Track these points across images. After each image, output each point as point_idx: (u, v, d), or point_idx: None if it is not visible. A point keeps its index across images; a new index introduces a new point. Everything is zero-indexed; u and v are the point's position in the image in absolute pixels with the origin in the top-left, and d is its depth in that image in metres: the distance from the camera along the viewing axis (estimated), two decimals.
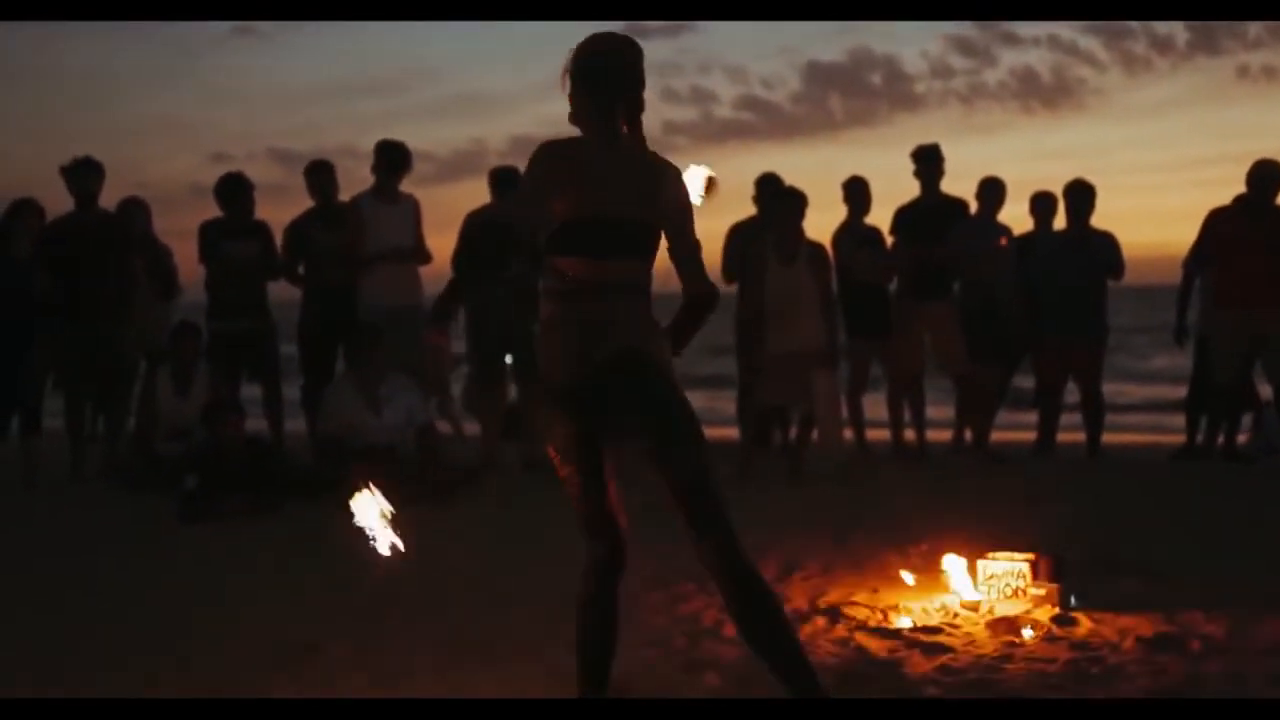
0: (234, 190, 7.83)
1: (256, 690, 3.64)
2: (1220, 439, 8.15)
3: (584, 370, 3.00)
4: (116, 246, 7.58)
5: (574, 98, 3.06)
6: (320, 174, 7.85)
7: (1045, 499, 6.56)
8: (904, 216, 7.98)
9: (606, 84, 3.03)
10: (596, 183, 3.00)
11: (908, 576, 4.63)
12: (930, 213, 7.88)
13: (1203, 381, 8.25)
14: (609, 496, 3.08)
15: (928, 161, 7.96)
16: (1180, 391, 8.71)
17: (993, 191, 8.07)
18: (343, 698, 3.56)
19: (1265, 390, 8.24)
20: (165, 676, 3.79)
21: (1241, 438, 8.26)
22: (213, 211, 7.90)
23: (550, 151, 3.04)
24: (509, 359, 7.71)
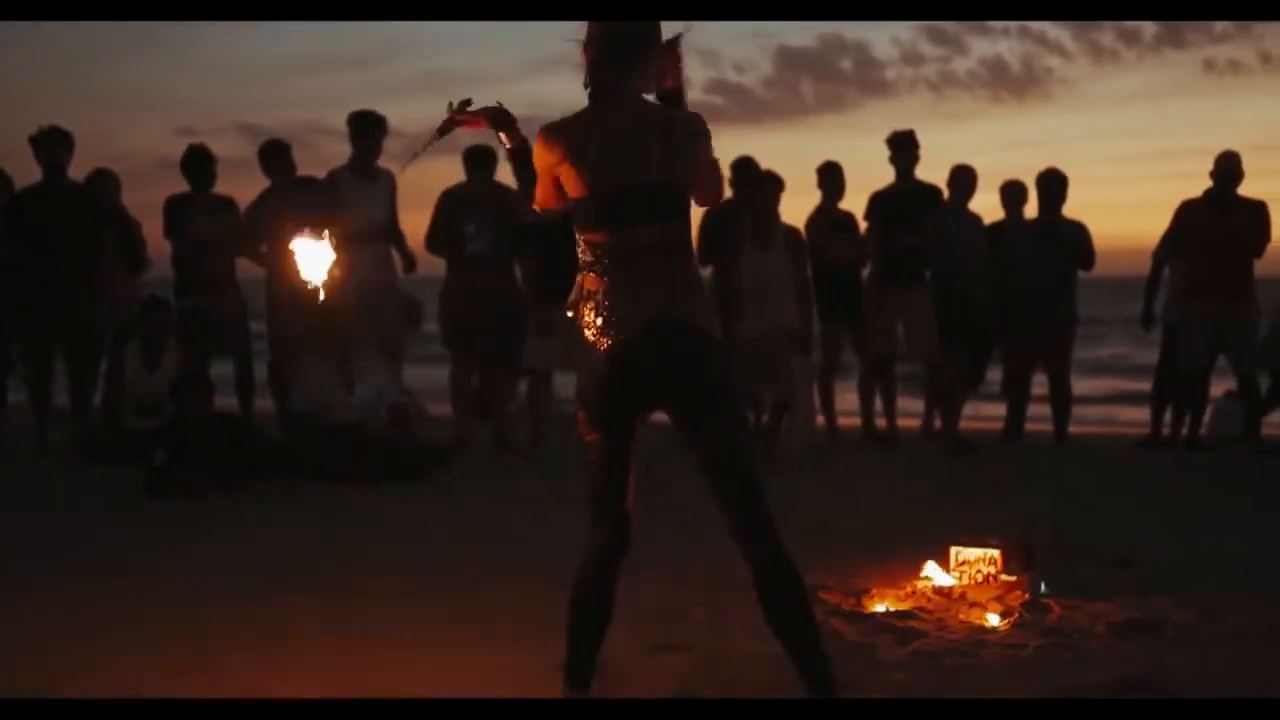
0: (198, 164, 7.74)
1: (227, 671, 3.60)
2: (1185, 428, 8.27)
3: (618, 338, 2.96)
4: (86, 218, 7.48)
5: (587, 65, 3.00)
6: (278, 155, 7.75)
7: (1014, 486, 6.62)
8: (879, 202, 8.00)
9: (616, 48, 2.98)
10: (606, 152, 2.96)
11: (932, 569, 4.55)
12: (905, 199, 7.91)
13: (1169, 372, 8.35)
14: (627, 474, 3.04)
15: (903, 148, 7.98)
16: (1132, 384, 8.94)
17: (964, 180, 8.11)
18: (319, 685, 3.53)
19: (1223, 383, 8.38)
20: (133, 656, 3.74)
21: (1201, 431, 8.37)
22: (178, 184, 7.81)
23: (550, 133, 3.00)
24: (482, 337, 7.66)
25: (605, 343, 2.98)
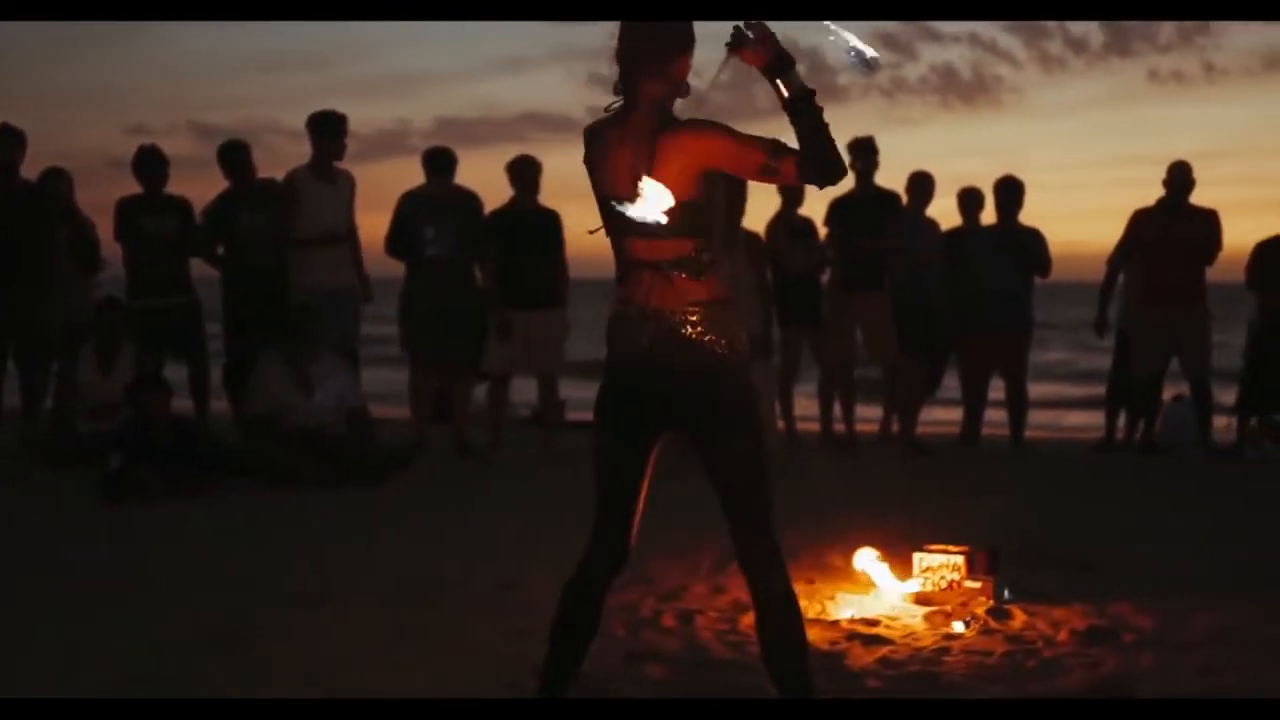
0: (150, 165, 7.63)
1: (185, 680, 3.54)
2: (1139, 432, 8.39)
3: (624, 351, 2.92)
4: (39, 218, 7.36)
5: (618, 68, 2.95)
6: (236, 154, 7.66)
7: (972, 491, 6.67)
8: (839, 208, 8.04)
9: (628, 62, 2.92)
10: (608, 159, 2.93)
11: (871, 566, 4.57)
12: (865, 205, 7.95)
13: (1122, 377, 8.47)
14: (632, 491, 2.96)
15: (863, 154, 8.02)
16: (1076, 389, 9.10)
17: (922, 186, 8.17)
18: (278, 691, 3.49)
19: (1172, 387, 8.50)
20: (85, 664, 3.67)
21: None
22: (129, 184, 7.70)
23: (586, 135, 3.00)
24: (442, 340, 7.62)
25: (615, 353, 2.96)
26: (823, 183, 2.84)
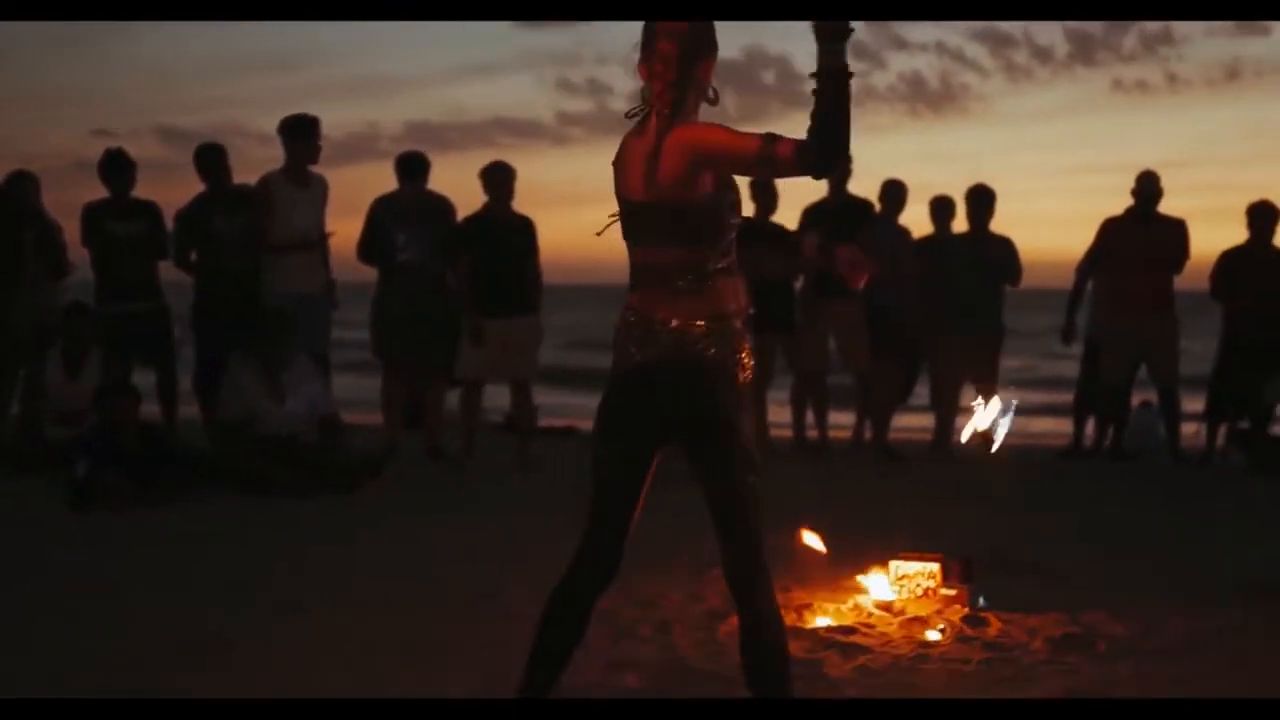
0: (116, 168, 7.55)
1: (163, 692, 3.50)
2: (1108, 439, 8.46)
3: (624, 361, 2.89)
4: (4, 221, 7.27)
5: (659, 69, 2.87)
6: (212, 158, 7.60)
7: (944, 498, 6.70)
8: (812, 215, 8.06)
9: (645, 66, 2.88)
10: (622, 165, 2.91)
11: (871, 581, 4.57)
12: (838, 212, 7.97)
13: (1090, 384, 8.55)
14: (627, 505, 2.93)
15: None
16: (1039, 396, 9.17)
17: (895, 194, 8.21)
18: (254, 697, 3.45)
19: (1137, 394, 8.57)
20: (56, 676, 3.61)
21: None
22: (95, 187, 7.63)
23: (622, 143, 2.95)
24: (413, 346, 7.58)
25: (616, 363, 2.93)
26: (822, 169, 2.72)
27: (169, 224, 7.64)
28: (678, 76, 2.83)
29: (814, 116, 2.68)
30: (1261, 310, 8.12)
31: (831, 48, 2.70)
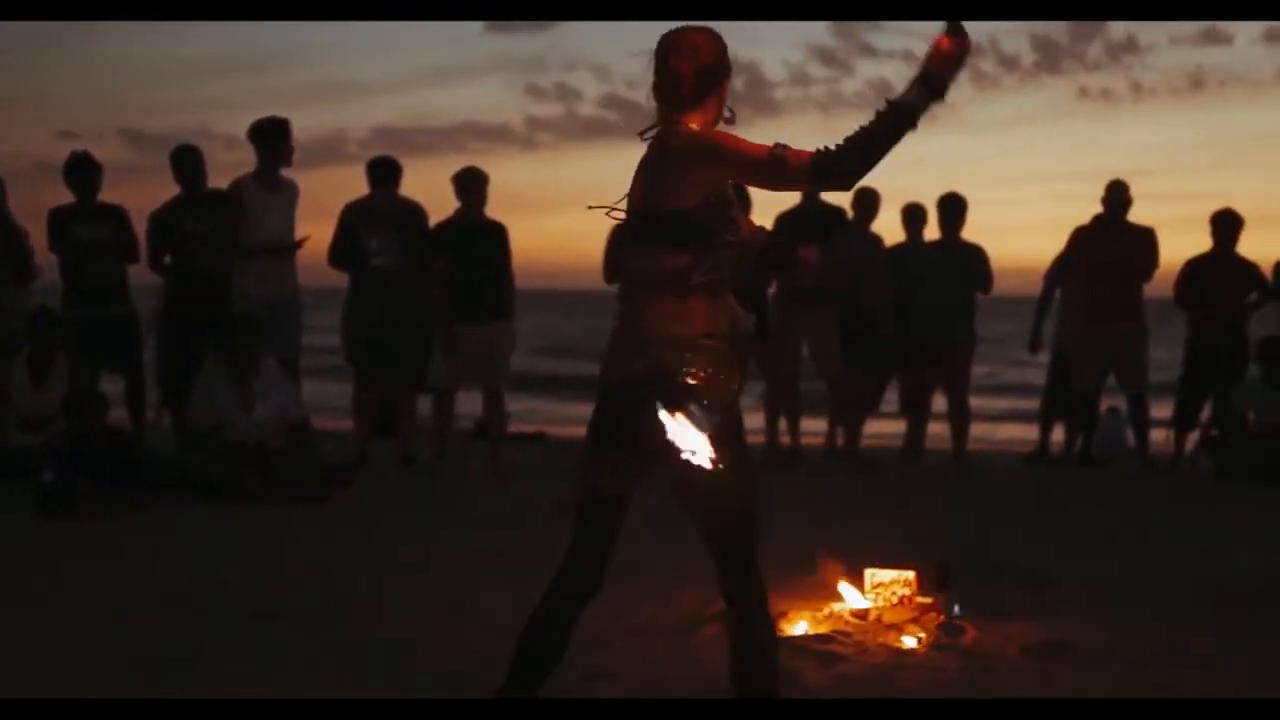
0: (82, 172, 7.47)
1: (126, 702, 3.43)
2: (1077, 446, 8.52)
3: (618, 381, 2.84)
4: None
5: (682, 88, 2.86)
6: (189, 159, 7.53)
7: (917, 505, 6.72)
8: (785, 222, 8.07)
9: (653, 77, 2.87)
10: (634, 176, 2.89)
11: (847, 589, 4.56)
12: (811, 219, 7.98)
13: (1057, 391, 8.61)
14: (612, 522, 2.91)
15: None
16: (1001, 402, 9.23)
17: (868, 202, 8.23)
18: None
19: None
20: (18, 685, 3.54)
21: None
22: (60, 190, 7.53)
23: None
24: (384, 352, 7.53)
25: (603, 379, 2.90)
26: (836, 177, 2.67)
27: (137, 227, 7.57)
28: (692, 95, 2.82)
29: (861, 131, 2.64)
30: (1225, 318, 8.20)
31: (924, 92, 2.67)
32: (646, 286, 2.83)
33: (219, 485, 6.40)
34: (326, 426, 8.65)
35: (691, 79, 2.81)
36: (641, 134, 2.89)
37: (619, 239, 2.98)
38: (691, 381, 2.78)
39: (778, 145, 2.70)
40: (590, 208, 2.97)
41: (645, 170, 2.85)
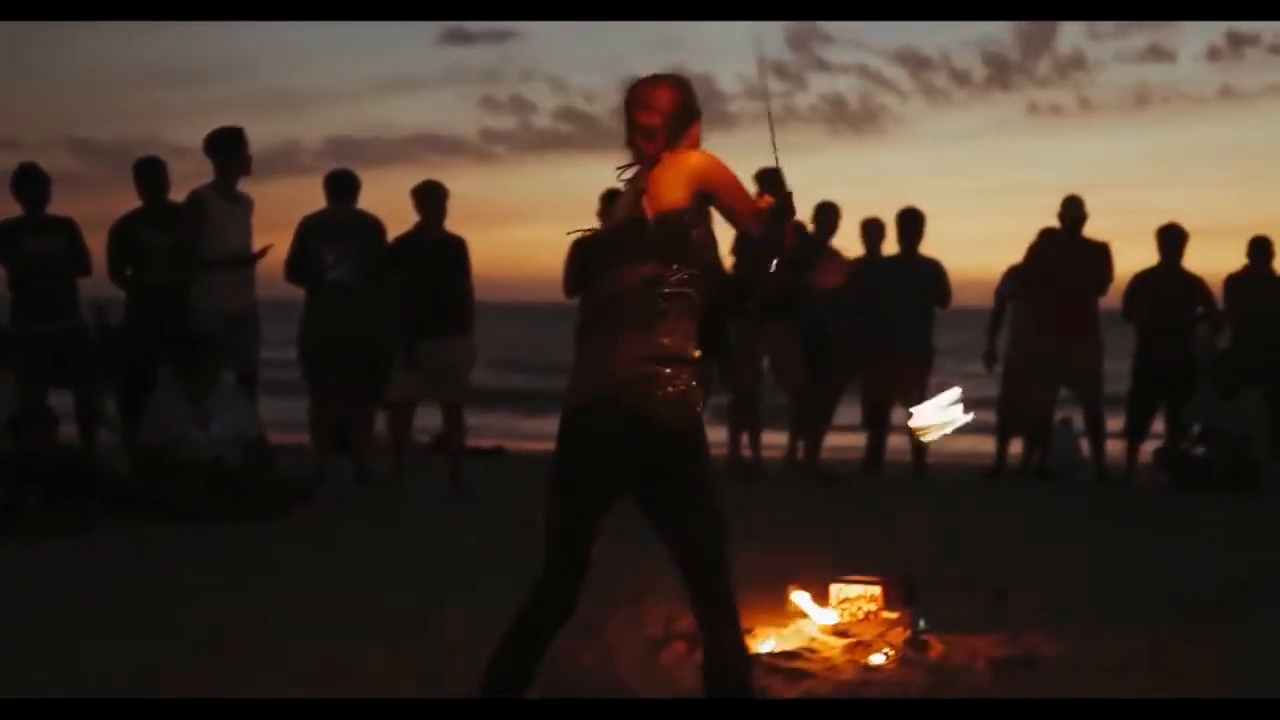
0: (31, 183, 7.34)
1: None
2: (1035, 459, 8.57)
3: (588, 400, 2.82)
4: None
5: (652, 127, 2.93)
6: (151, 172, 7.41)
7: (878, 518, 6.73)
8: (745, 238, 8.06)
9: (632, 141, 2.94)
10: (614, 208, 2.92)
11: (800, 598, 4.55)
12: None
13: (1011, 404, 8.66)
14: (581, 550, 2.89)
15: (770, 184, 8.03)
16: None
17: (828, 216, 8.25)
18: None
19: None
20: None
21: None
22: (6, 203, 7.41)
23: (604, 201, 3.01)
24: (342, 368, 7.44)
25: (572, 398, 2.87)
26: (761, 251, 2.92)
27: (85, 239, 7.45)
28: (664, 142, 2.88)
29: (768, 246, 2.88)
30: (1173, 331, 8.29)
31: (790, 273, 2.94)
32: (633, 300, 2.82)
33: (172, 504, 6.28)
34: (283, 442, 8.54)
35: (663, 129, 2.89)
36: (620, 172, 2.95)
37: (594, 253, 2.93)
38: (675, 394, 2.80)
39: (761, 206, 2.90)
40: (570, 233, 3.06)
41: (633, 192, 2.88)
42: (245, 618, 4.49)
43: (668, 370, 2.81)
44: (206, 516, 6.19)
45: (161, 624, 4.41)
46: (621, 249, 2.85)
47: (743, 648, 2.92)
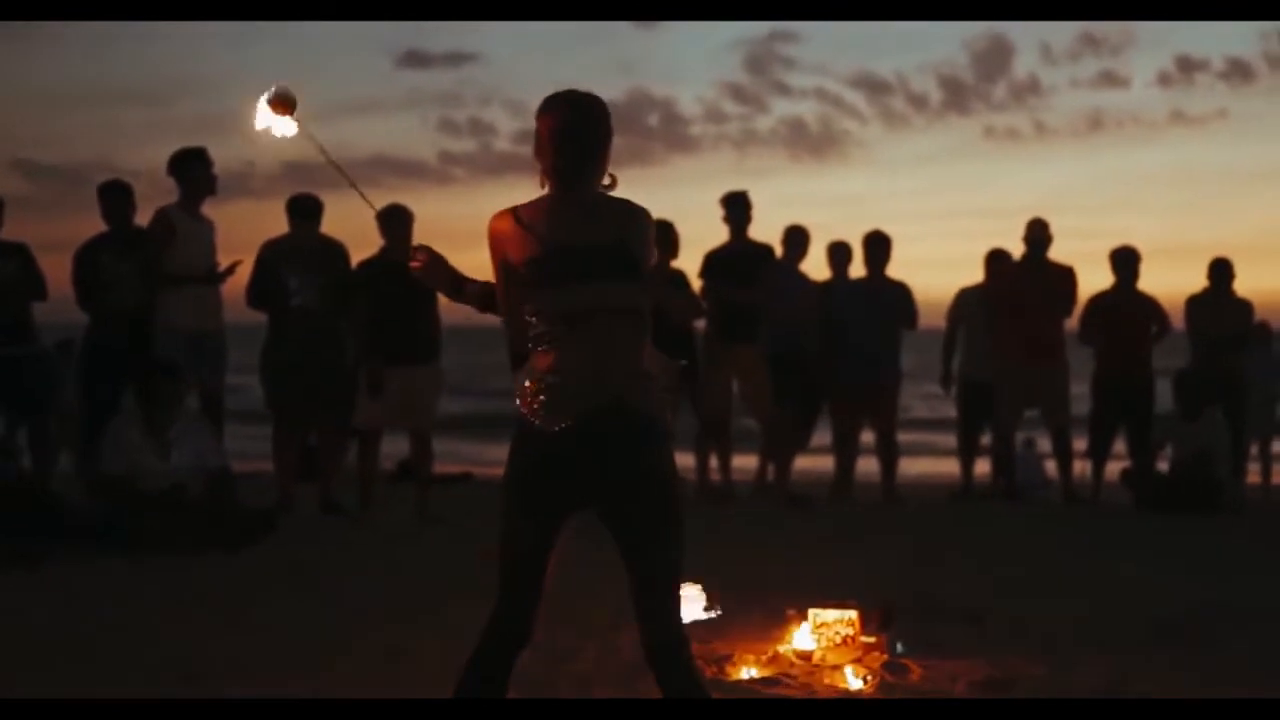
0: None
1: None
2: (1002, 480, 8.59)
3: (566, 421, 2.78)
4: None
5: (543, 154, 2.90)
6: (117, 195, 7.30)
7: (849, 542, 6.70)
8: (714, 260, 8.06)
9: (582, 143, 2.90)
10: (562, 217, 2.86)
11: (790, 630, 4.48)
12: (740, 257, 7.98)
13: (970, 426, 8.68)
14: (545, 568, 2.87)
15: (736, 207, 8.07)
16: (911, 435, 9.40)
17: (797, 240, 8.26)
18: None
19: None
20: None
21: None
22: None
23: (503, 213, 2.89)
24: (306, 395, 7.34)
25: (551, 426, 2.80)
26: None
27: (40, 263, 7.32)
28: (601, 159, 2.91)
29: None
30: (1130, 352, 8.33)
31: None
32: (611, 325, 2.83)
33: (132, 536, 6.13)
34: (246, 470, 8.40)
35: (609, 145, 2.94)
36: (607, 188, 2.95)
37: (545, 278, 2.88)
38: (657, 415, 2.83)
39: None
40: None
41: (610, 217, 2.88)
42: (205, 651, 4.38)
43: (654, 383, 2.88)
44: (167, 547, 6.05)
45: (124, 660, 4.28)
46: (608, 266, 2.87)
47: (705, 687, 2.91)
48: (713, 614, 4.67)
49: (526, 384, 2.84)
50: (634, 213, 2.90)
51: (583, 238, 2.83)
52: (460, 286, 3.04)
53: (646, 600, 2.83)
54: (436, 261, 3.01)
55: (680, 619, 2.86)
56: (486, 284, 2.98)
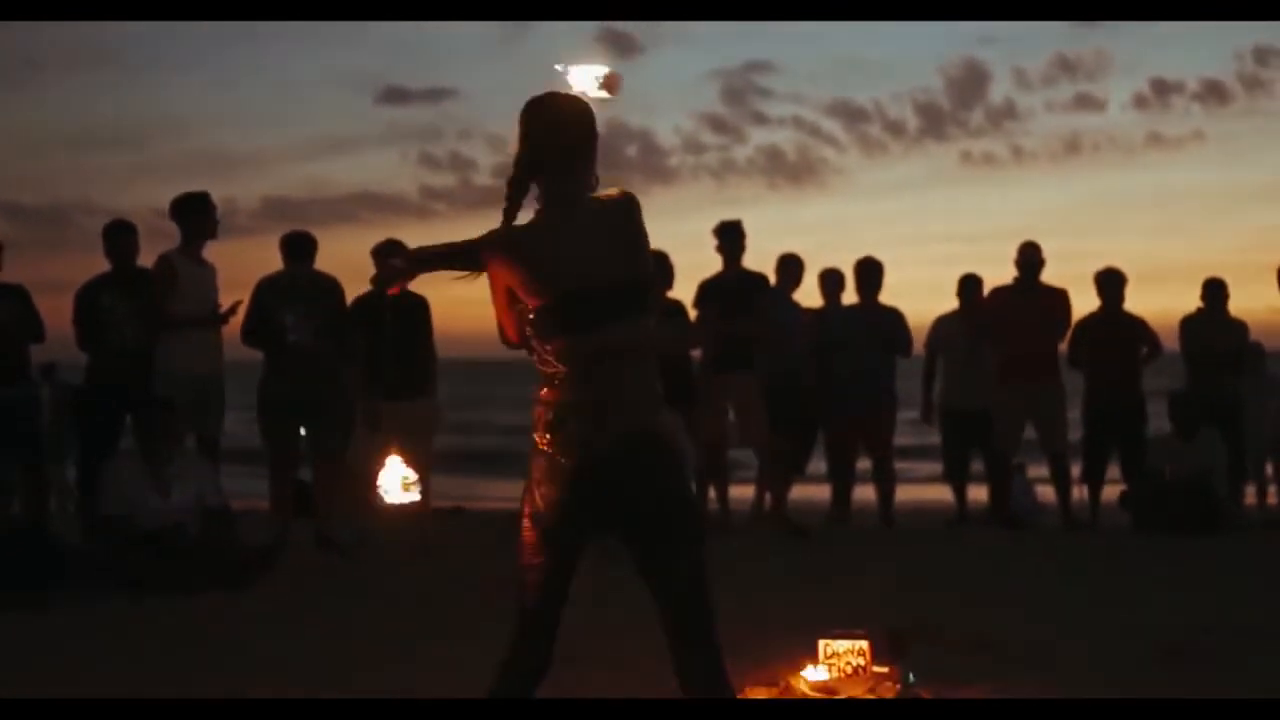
0: None
1: None
2: (998, 504, 8.58)
3: (587, 454, 2.78)
4: None
5: (531, 162, 2.85)
6: (121, 236, 7.28)
7: (850, 570, 6.68)
8: (709, 290, 8.07)
9: (569, 149, 2.86)
10: (568, 250, 2.81)
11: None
12: (734, 286, 8.00)
13: (954, 452, 8.67)
14: (565, 596, 2.88)
15: (730, 237, 8.09)
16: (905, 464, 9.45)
17: (790, 268, 8.28)
18: None
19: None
20: None
21: None
22: None
23: (498, 247, 2.83)
24: (302, 430, 7.31)
25: (572, 460, 2.79)
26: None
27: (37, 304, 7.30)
28: (590, 167, 2.88)
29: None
30: (1120, 374, 8.34)
31: None
32: (630, 359, 2.83)
33: (130, 576, 6.07)
34: (243, 507, 8.34)
35: (595, 142, 2.92)
36: (600, 196, 2.90)
37: (569, 322, 2.86)
38: (676, 440, 2.90)
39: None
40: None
41: (618, 238, 2.83)
42: (205, 689, 4.33)
43: (664, 405, 2.92)
44: (166, 587, 5.99)
45: (119, 699, 4.23)
46: (626, 307, 2.88)
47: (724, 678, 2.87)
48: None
49: (544, 415, 2.83)
50: (631, 213, 2.86)
51: (592, 280, 2.80)
52: (433, 265, 2.97)
53: (677, 616, 2.81)
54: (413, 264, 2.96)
55: (715, 631, 2.82)
56: (449, 246, 2.92)
